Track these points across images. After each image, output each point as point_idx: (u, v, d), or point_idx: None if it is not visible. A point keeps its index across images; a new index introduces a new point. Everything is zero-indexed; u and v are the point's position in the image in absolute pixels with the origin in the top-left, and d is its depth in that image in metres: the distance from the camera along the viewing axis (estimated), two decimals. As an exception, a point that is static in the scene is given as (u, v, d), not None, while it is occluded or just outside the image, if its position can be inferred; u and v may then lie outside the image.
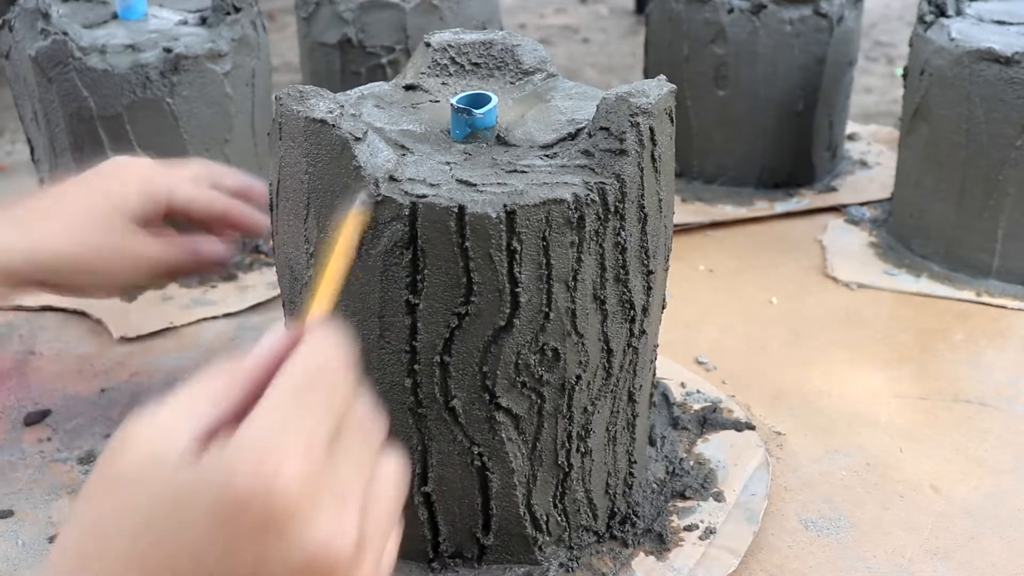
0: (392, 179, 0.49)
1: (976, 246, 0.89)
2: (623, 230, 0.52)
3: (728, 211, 1.03)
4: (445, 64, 0.62)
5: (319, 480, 0.33)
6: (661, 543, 0.59)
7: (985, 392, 0.74)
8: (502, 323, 0.50)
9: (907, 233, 0.95)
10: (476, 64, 0.62)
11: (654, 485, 0.63)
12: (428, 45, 0.62)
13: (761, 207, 1.04)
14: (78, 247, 0.64)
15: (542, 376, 0.52)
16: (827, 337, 0.82)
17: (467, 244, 0.48)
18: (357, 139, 0.49)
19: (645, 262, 0.54)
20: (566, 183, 0.50)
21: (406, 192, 0.48)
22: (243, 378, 0.35)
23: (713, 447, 0.67)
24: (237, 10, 0.89)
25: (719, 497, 0.62)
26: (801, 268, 0.93)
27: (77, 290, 0.67)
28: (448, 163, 0.52)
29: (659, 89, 0.53)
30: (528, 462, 0.54)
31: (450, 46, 0.62)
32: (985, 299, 0.87)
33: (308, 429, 0.33)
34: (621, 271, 0.53)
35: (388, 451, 0.37)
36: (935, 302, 0.87)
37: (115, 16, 0.91)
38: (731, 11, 1.02)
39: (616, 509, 0.60)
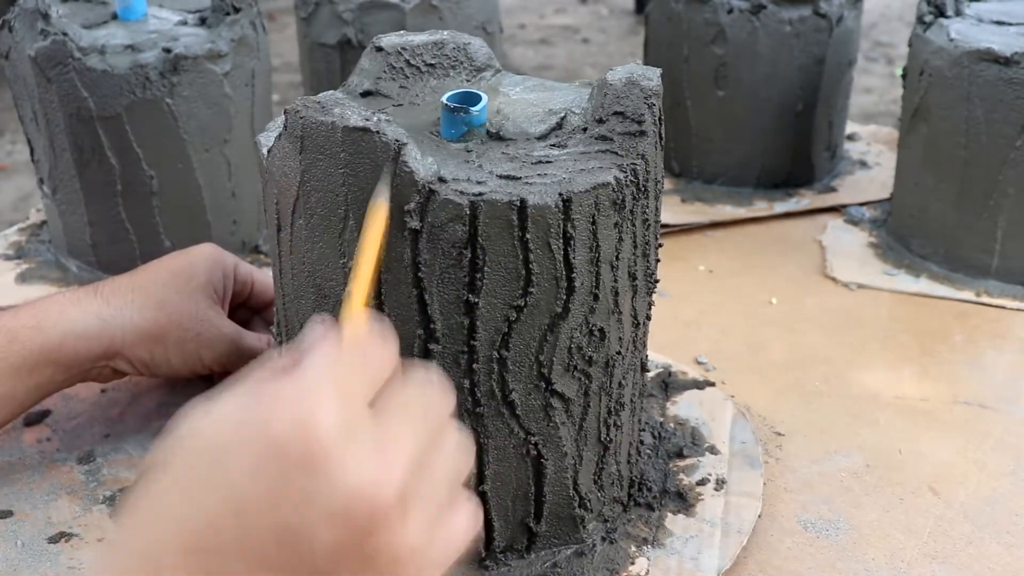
0: (441, 180, 0.48)
1: (976, 246, 0.89)
2: (647, 207, 0.54)
3: (728, 211, 1.03)
4: (401, 67, 0.61)
5: (358, 428, 0.34)
6: (683, 501, 0.61)
7: (985, 394, 0.74)
8: (559, 310, 0.51)
9: (907, 233, 0.95)
10: (431, 65, 0.62)
11: (648, 450, 0.65)
12: (380, 49, 0.61)
13: (761, 207, 1.04)
14: (155, 312, 0.65)
15: (591, 357, 0.54)
16: (827, 337, 0.82)
17: (527, 236, 0.49)
18: (404, 144, 0.48)
19: (657, 235, 0.56)
20: (600, 167, 0.51)
21: (462, 192, 0.48)
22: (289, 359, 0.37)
23: (684, 407, 0.70)
24: (237, 10, 0.89)
25: (714, 450, 0.66)
26: (801, 268, 0.93)
27: (160, 365, 0.67)
28: (467, 161, 0.52)
29: (653, 72, 0.55)
30: (575, 444, 0.56)
31: (403, 48, 0.62)
32: (985, 299, 0.87)
33: (345, 381, 0.35)
34: (646, 246, 0.55)
35: (454, 426, 0.39)
36: (935, 302, 0.87)
37: (115, 16, 0.91)
38: (731, 11, 1.02)
39: (633, 477, 0.62)
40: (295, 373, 0.35)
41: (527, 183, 0.50)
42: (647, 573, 0.57)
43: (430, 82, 0.62)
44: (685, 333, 0.82)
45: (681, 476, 0.64)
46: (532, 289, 0.50)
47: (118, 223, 0.89)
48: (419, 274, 0.49)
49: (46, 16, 0.83)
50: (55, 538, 0.60)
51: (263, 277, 0.74)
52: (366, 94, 0.61)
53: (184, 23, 0.90)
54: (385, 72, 0.61)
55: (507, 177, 0.50)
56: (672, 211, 1.02)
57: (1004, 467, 0.67)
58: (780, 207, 1.04)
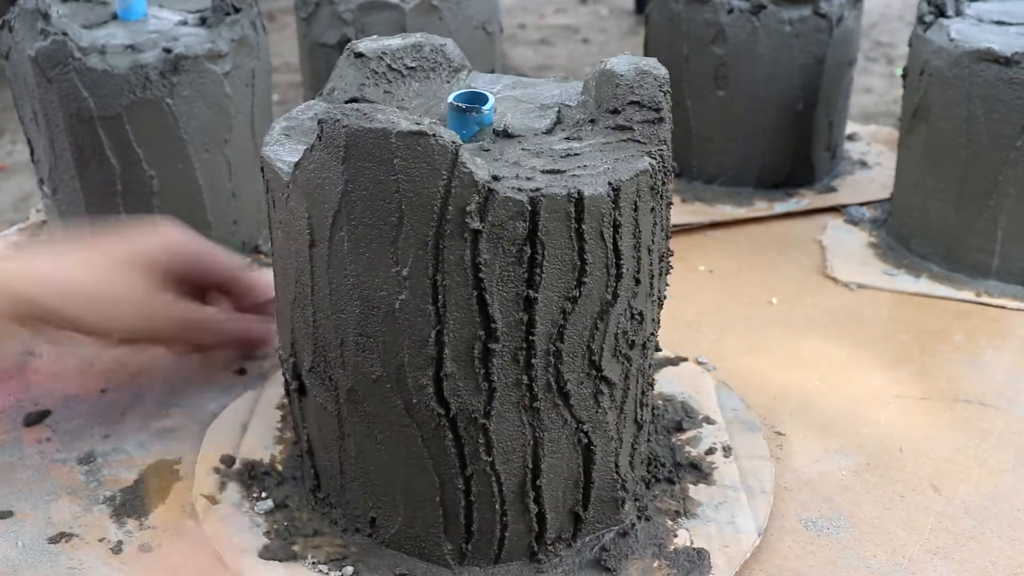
0: (495, 179, 0.49)
1: (976, 246, 0.89)
2: (668, 190, 0.56)
3: (728, 211, 1.03)
4: (383, 72, 0.61)
5: None
6: (699, 471, 0.64)
7: (985, 392, 0.74)
8: (609, 297, 0.52)
9: (907, 233, 0.95)
10: (411, 68, 0.62)
11: (651, 428, 0.66)
12: (360, 55, 0.61)
13: (761, 207, 1.04)
14: (88, 275, 0.64)
15: (633, 340, 0.55)
16: (827, 337, 0.82)
17: (583, 227, 0.49)
18: (459, 145, 0.48)
19: (669, 217, 0.58)
20: (632, 155, 0.53)
21: (520, 188, 0.49)
22: None
23: (666, 384, 0.72)
24: (237, 10, 0.89)
25: (709, 421, 0.68)
26: (801, 268, 0.93)
27: (85, 328, 0.65)
28: (496, 160, 0.53)
29: (654, 60, 0.57)
30: (616, 427, 0.57)
31: (384, 54, 0.61)
32: (985, 299, 0.87)
33: None
34: (667, 228, 0.57)
35: None
36: (935, 302, 0.87)
37: (115, 16, 0.91)
38: (731, 11, 1.02)
39: (650, 455, 0.63)
40: None
41: (574, 175, 0.50)
42: (692, 544, 0.58)
43: (412, 85, 0.62)
44: (685, 333, 0.82)
45: (688, 449, 0.65)
46: (586, 279, 0.51)
47: (118, 223, 0.89)
48: (479, 275, 0.49)
49: (46, 16, 0.83)
50: (55, 538, 0.60)
51: (255, 274, 0.73)
52: (351, 102, 0.60)
53: (184, 23, 0.90)
54: (368, 78, 0.61)
55: (552, 172, 0.51)
56: (672, 211, 1.02)
57: (1005, 463, 0.67)
58: (780, 207, 1.04)
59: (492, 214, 0.48)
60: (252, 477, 0.65)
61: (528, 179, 0.50)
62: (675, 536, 0.59)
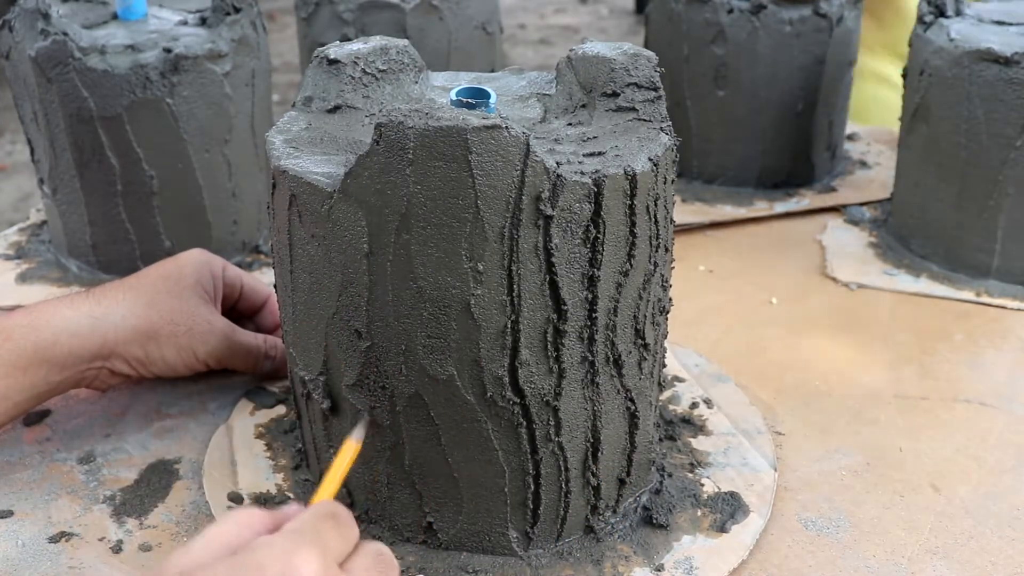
0: (558, 164, 0.50)
1: (976, 246, 0.89)
2: (677, 162, 0.59)
3: (728, 211, 1.03)
4: (359, 77, 0.61)
5: None
6: (693, 425, 0.68)
7: (985, 392, 0.74)
8: (651, 267, 0.55)
9: (907, 233, 0.95)
10: (383, 71, 0.63)
11: None
12: (334, 62, 0.61)
13: (761, 207, 1.04)
14: (146, 310, 0.67)
15: (664, 306, 0.59)
16: (827, 337, 0.82)
17: (635, 202, 0.52)
18: (529, 135, 0.49)
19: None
20: (649, 132, 0.55)
21: (582, 172, 0.50)
22: (265, 515, 0.45)
23: None
24: (237, 10, 0.89)
25: (679, 379, 0.73)
26: (801, 268, 0.93)
27: (155, 362, 0.68)
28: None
29: (633, 44, 0.60)
30: (651, 390, 0.59)
31: (357, 59, 0.61)
32: (985, 299, 0.87)
33: (324, 545, 0.43)
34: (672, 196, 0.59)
35: None
36: (935, 302, 0.87)
37: (115, 16, 0.91)
38: (731, 11, 1.02)
39: None
40: (284, 531, 0.43)
41: (615, 154, 0.52)
42: (720, 489, 0.61)
43: (385, 88, 0.62)
44: (685, 333, 0.82)
45: (672, 407, 0.69)
46: (635, 252, 0.53)
47: (118, 223, 0.89)
48: (551, 259, 0.50)
49: (46, 16, 0.83)
50: (55, 538, 0.60)
51: (252, 280, 0.74)
52: (335, 109, 0.60)
53: (184, 23, 0.90)
54: (347, 84, 0.61)
55: (594, 154, 0.53)
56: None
57: (1005, 463, 0.67)
58: (780, 207, 1.04)
59: (562, 199, 0.49)
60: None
61: (579, 163, 0.52)
62: (702, 485, 0.62)
